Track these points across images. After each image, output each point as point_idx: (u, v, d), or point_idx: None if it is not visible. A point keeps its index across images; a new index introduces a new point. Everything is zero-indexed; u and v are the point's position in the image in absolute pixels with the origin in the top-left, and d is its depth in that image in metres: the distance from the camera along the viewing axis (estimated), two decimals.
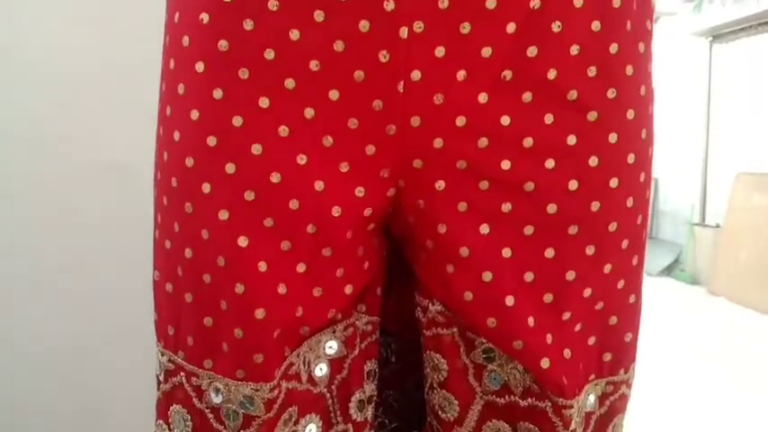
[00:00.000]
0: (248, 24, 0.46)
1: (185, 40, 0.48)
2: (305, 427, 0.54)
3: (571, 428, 0.51)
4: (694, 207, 4.71)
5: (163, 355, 0.54)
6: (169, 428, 0.53)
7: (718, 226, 4.39)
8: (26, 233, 0.98)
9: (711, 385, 2.59)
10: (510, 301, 0.50)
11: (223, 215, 0.48)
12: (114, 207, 0.99)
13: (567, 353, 0.51)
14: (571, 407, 0.51)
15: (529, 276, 0.50)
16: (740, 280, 4.01)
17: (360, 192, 0.49)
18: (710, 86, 4.59)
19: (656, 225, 5.01)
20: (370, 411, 0.58)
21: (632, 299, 0.54)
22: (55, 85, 0.97)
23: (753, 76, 4.27)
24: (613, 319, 0.53)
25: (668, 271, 4.68)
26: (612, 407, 0.55)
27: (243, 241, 0.48)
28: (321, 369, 0.54)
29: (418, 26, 0.45)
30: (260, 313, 0.49)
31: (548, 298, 0.50)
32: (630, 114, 0.50)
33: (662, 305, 3.94)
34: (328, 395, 0.55)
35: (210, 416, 0.51)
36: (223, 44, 0.47)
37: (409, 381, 0.65)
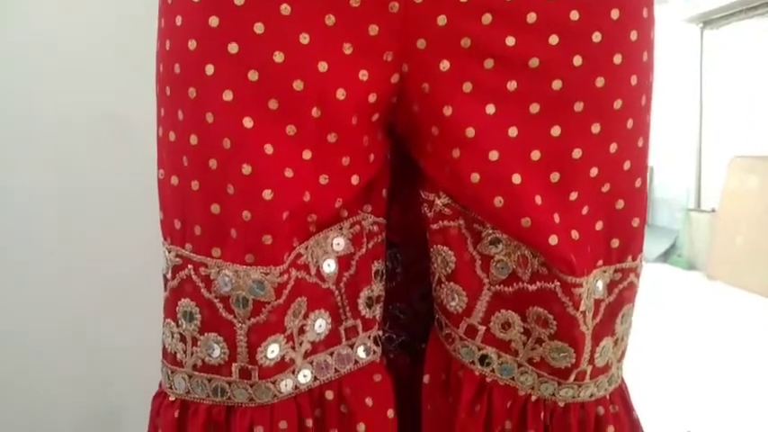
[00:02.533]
0: None
1: None
2: (314, 321, 0.54)
3: (581, 309, 0.51)
4: (689, 192, 4.72)
5: (169, 251, 0.53)
6: (177, 324, 0.53)
7: (713, 211, 4.40)
8: (25, 188, 0.98)
9: (711, 370, 2.59)
10: (517, 179, 0.50)
11: (227, 96, 0.48)
12: (111, 158, 0.99)
13: (574, 234, 0.51)
14: (580, 285, 0.51)
15: (535, 155, 0.50)
16: (737, 264, 4.01)
17: (363, 75, 0.49)
18: (702, 72, 4.61)
19: (651, 211, 5.02)
20: (378, 310, 0.57)
21: (638, 183, 0.54)
22: (48, 38, 0.96)
23: (744, 60, 4.29)
24: (620, 203, 0.53)
25: (665, 257, 4.69)
26: (621, 295, 0.55)
27: (248, 122, 0.48)
28: (329, 265, 0.54)
29: None
30: (267, 194, 0.48)
31: (554, 177, 0.50)
32: None
33: (660, 291, 3.94)
34: (336, 291, 0.55)
35: (220, 305, 0.51)
36: None
37: (415, 292, 0.65)
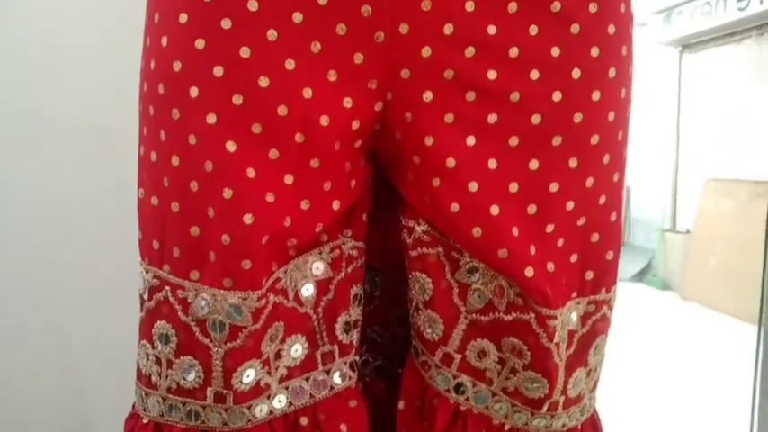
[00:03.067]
0: None
1: None
2: (291, 346, 0.54)
3: (555, 341, 0.52)
4: (665, 213, 4.79)
5: (147, 272, 0.53)
6: (153, 346, 0.53)
7: (688, 232, 4.47)
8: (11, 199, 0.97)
9: (683, 390, 2.62)
10: (495, 210, 0.50)
11: (211, 119, 0.48)
12: (98, 168, 0.98)
13: (550, 266, 0.52)
14: (555, 317, 0.51)
15: (513, 187, 0.51)
16: (710, 284, 4.07)
17: (348, 102, 0.50)
18: (680, 95, 4.70)
19: (627, 231, 5.08)
20: (355, 335, 0.57)
21: (613, 216, 0.55)
22: (38, 51, 0.96)
23: (721, 84, 4.38)
24: (595, 237, 0.54)
25: (640, 276, 4.75)
26: (594, 327, 0.56)
27: (231, 146, 0.48)
28: (308, 289, 0.54)
29: None
30: (248, 218, 0.49)
31: (531, 209, 0.51)
32: (611, 30, 0.51)
33: (634, 310, 3.98)
34: (314, 316, 0.55)
35: (196, 329, 0.51)
36: None
37: (393, 317, 0.65)
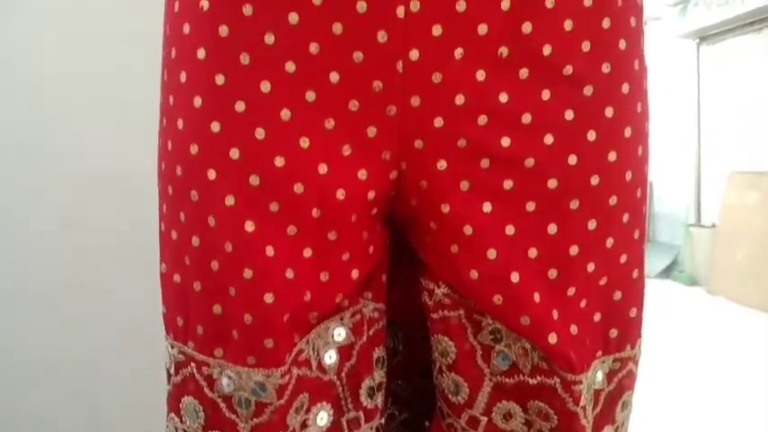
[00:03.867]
0: (247, 9, 0.47)
1: (186, 28, 0.49)
2: (316, 414, 0.54)
3: (581, 404, 0.52)
4: (689, 208, 4.73)
5: (173, 347, 0.54)
6: (181, 421, 0.53)
7: (714, 226, 4.41)
8: (26, 242, 0.99)
9: (713, 386, 2.59)
10: (515, 277, 0.50)
11: (229, 201, 0.49)
12: (115, 215, 0.99)
13: (573, 329, 0.52)
14: (580, 382, 0.51)
15: (533, 252, 0.51)
16: (738, 279, 4.02)
17: (363, 174, 0.50)
18: (700, 88, 4.64)
19: (652, 227, 5.02)
20: (380, 398, 0.58)
21: (635, 273, 0.54)
22: (56, 96, 0.98)
23: (740, 75, 4.31)
24: (618, 295, 0.54)
25: (667, 273, 4.69)
26: (620, 384, 0.55)
27: (249, 226, 0.49)
28: (330, 356, 0.55)
29: (414, 5, 0.46)
30: (269, 298, 0.49)
31: (552, 274, 0.51)
32: (625, 88, 0.51)
33: (662, 307, 3.94)
34: (338, 383, 0.55)
35: (223, 405, 0.51)
36: (223, 30, 0.47)
37: (417, 370, 0.65)
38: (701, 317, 3.84)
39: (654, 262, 4.64)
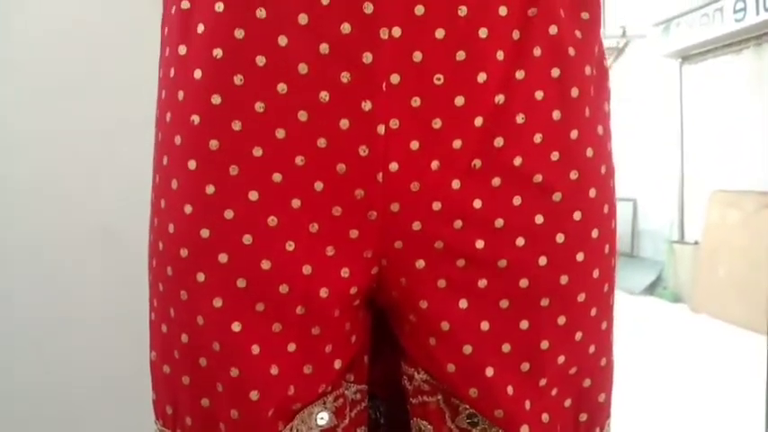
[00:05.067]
0: (236, 125, 0.49)
1: (177, 140, 0.52)
2: None
3: None
4: (673, 224, 4.79)
5: None
6: None
7: (696, 243, 4.47)
8: (12, 296, 1.00)
9: (696, 403, 2.62)
10: (489, 371, 0.53)
11: (217, 303, 0.51)
12: (101, 272, 1.01)
13: (545, 417, 0.55)
14: None
15: (506, 347, 0.53)
16: (721, 296, 4.07)
17: (345, 272, 0.53)
18: (683, 106, 4.71)
19: (636, 244, 5.08)
20: None
21: (603, 362, 0.57)
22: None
23: (722, 94, 4.39)
24: (587, 382, 0.56)
25: (651, 289, 4.74)
26: None
27: (236, 326, 0.51)
28: None
29: (394, 123, 0.49)
30: (254, 395, 0.51)
31: (525, 367, 0.54)
32: (593, 193, 0.54)
33: (646, 324, 3.98)
34: None
35: None
36: (214, 143, 0.50)
37: None
38: (685, 334, 3.89)
39: (638, 278, 4.70)
